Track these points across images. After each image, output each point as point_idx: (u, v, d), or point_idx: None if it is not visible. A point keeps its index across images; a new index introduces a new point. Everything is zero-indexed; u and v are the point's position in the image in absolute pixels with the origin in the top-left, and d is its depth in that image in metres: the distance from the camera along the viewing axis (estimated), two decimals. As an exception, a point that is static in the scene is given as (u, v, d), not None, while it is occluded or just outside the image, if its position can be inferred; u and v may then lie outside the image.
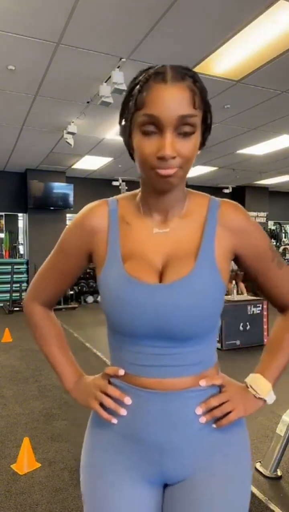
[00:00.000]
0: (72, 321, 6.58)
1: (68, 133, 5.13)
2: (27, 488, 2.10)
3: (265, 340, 4.74)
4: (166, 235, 0.83)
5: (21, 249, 9.36)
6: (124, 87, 3.51)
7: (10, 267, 7.92)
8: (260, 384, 0.84)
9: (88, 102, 4.45)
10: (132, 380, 0.82)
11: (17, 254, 9.09)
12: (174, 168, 0.73)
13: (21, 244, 9.40)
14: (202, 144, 0.80)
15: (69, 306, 7.74)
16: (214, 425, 0.80)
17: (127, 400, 0.81)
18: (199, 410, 0.79)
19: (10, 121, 5.13)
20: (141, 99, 0.72)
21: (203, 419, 0.79)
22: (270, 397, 0.84)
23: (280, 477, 2.19)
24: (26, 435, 2.59)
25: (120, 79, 3.48)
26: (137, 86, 0.73)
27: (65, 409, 3.07)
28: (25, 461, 2.29)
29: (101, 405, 0.85)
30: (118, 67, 3.50)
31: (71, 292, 8.00)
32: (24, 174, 8.34)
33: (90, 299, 8.48)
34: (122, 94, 3.75)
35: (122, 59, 3.41)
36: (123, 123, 0.79)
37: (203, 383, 0.80)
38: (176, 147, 0.71)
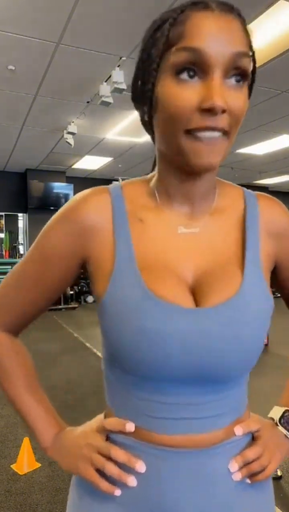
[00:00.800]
0: (72, 321, 6.58)
1: (68, 133, 5.13)
2: (27, 488, 2.10)
3: (265, 340, 4.73)
4: (196, 236, 0.61)
5: (21, 249, 9.37)
6: (124, 86, 3.51)
7: (10, 267, 7.92)
8: None
9: (88, 102, 4.45)
10: (147, 437, 0.58)
11: (17, 254, 9.09)
12: (222, 128, 0.51)
13: (21, 244, 9.41)
14: None
15: (69, 306, 7.75)
16: (249, 481, 0.62)
17: (141, 467, 0.57)
18: (234, 466, 0.59)
19: (10, 121, 5.13)
20: (177, 30, 0.51)
21: (238, 476, 0.60)
22: None
23: (280, 477, 2.19)
24: (26, 435, 2.59)
25: (120, 78, 3.48)
26: (169, 20, 0.53)
27: (65, 409, 3.07)
28: (25, 461, 2.29)
29: (98, 471, 0.59)
30: (118, 66, 3.50)
31: (71, 292, 8.00)
32: (24, 174, 8.34)
33: (90, 299, 8.48)
34: (122, 94, 3.78)
35: (123, 58, 3.41)
36: (140, 84, 0.60)
37: (239, 431, 0.61)
38: (225, 98, 0.49)
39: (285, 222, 0.66)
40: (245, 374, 0.63)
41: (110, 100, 3.75)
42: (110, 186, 0.66)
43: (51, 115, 4.91)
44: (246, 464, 0.61)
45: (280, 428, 0.67)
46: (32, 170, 8.17)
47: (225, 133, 0.52)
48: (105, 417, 0.67)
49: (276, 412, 0.69)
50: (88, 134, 5.72)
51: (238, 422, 0.62)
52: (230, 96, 0.51)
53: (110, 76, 3.59)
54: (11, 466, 2.30)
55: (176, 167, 0.58)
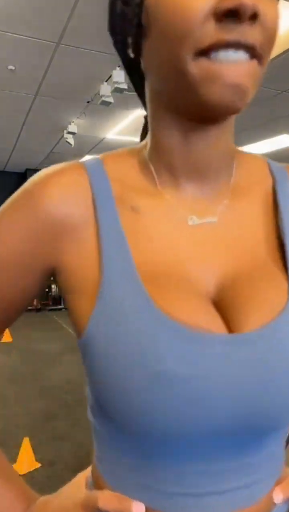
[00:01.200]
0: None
1: (69, 133, 5.13)
2: (27, 488, 2.10)
3: None
4: (213, 228, 0.43)
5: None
6: (125, 86, 3.51)
7: (10, 267, 7.92)
8: None
9: (88, 102, 4.45)
10: None
11: (17, 254, 9.09)
12: (252, 45, 0.35)
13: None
14: None
15: (69, 306, 7.75)
16: None
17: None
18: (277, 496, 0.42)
19: (10, 121, 5.13)
20: None
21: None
22: None
23: (280, 477, 2.19)
24: (26, 435, 2.58)
25: (121, 78, 3.48)
26: None
27: (65, 409, 3.07)
28: (25, 461, 2.29)
29: None
30: (119, 66, 3.49)
31: (71, 292, 8.00)
32: (24, 174, 8.34)
33: (90, 299, 8.48)
34: (123, 94, 3.77)
35: (123, 59, 3.41)
36: None
37: (279, 498, 0.42)
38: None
39: None
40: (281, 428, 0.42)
41: (110, 100, 3.75)
42: (86, 161, 0.45)
43: (51, 115, 4.91)
44: None
45: None
46: (32, 170, 8.16)
47: (255, 55, 0.36)
48: (93, 478, 0.47)
49: None
50: (89, 134, 5.72)
51: (277, 482, 0.43)
52: (261, 1, 0.34)
53: (110, 76, 3.59)
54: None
55: (180, 119, 0.39)
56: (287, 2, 2.67)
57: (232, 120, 0.43)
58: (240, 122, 3.87)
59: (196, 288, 0.39)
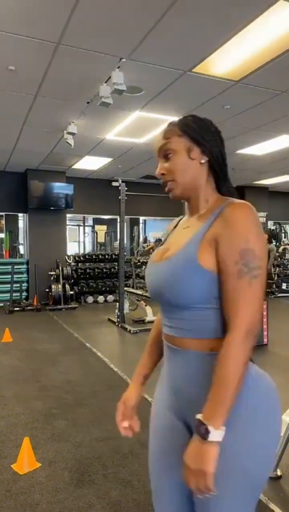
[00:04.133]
0: (72, 321, 6.58)
1: (68, 133, 5.13)
2: (27, 488, 2.11)
3: (265, 340, 4.74)
4: (186, 230, 1.04)
5: (22, 249, 9.37)
6: (124, 87, 3.51)
7: (10, 267, 7.92)
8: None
9: (88, 103, 4.46)
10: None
11: (18, 254, 9.09)
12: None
13: (21, 244, 9.41)
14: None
15: (69, 306, 7.74)
16: (200, 496, 0.88)
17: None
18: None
19: (10, 121, 5.13)
20: None
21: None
22: (217, 436, 0.84)
23: (280, 477, 2.19)
24: (26, 435, 2.59)
25: (120, 79, 3.48)
26: None
27: (65, 409, 3.07)
28: (25, 461, 2.29)
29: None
30: (118, 68, 3.50)
31: (71, 292, 8.00)
32: (24, 174, 8.34)
33: (90, 299, 8.48)
34: (122, 95, 3.78)
35: (123, 59, 3.41)
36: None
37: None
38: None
39: (233, 213, 0.92)
40: (185, 308, 0.96)
41: (110, 101, 3.75)
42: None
43: (51, 115, 4.92)
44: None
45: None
46: (32, 170, 8.17)
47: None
48: None
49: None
50: (88, 135, 5.72)
51: (201, 341, 0.96)
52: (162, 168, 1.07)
53: (110, 77, 3.60)
54: (11, 466, 2.31)
55: None
56: (287, 2, 2.67)
57: (197, 191, 1.04)
58: (240, 124, 3.91)
59: (167, 252, 1.03)
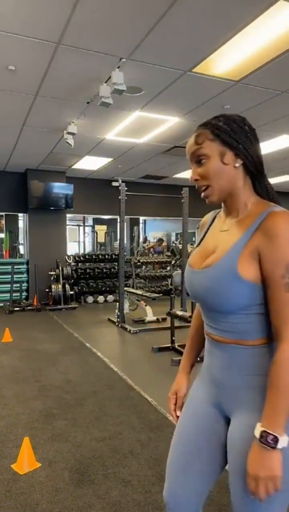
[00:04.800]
0: (72, 321, 6.58)
1: (68, 133, 5.13)
2: (27, 488, 2.11)
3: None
4: (224, 233, 1.05)
5: (22, 249, 9.37)
6: (124, 87, 3.51)
7: (10, 267, 7.92)
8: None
9: (88, 103, 4.46)
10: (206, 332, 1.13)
11: (18, 254, 9.09)
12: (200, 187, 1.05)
13: (22, 244, 9.41)
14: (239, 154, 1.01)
15: (69, 306, 7.74)
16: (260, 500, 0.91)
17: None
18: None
19: (10, 121, 5.13)
20: None
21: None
22: (284, 442, 0.88)
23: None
24: (26, 435, 2.59)
25: (120, 79, 3.48)
26: None
27: (65, 409, 3.07)
28: (25, 461, 2.29)
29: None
30: (118, 68, 3.50)
31: (71, 292, 8.00)
32: (24, 174, 8.34)
33: (90, 299, 8.48)
34: (122, 95, 3.78)
35: (122, 59, 3.41)
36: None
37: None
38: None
39: (274, 224, 0.92)
40: (228, 314, 1.00)
41: (110, 101, 3.75)
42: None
43: (51, 115, 4.92)
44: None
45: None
46: (32, 170, 8.17)
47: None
48: None
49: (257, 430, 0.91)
50: (88, 135, 5.72)
51: (240, 341, 1.00)
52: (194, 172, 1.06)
53: (110, 77, 3.60)
54: (11, 466, 2.30)
55: None
56: (287, 2, 2.67)
57: (234, 195, 1.04)
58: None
59: (208, 258, 1.04)
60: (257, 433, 0.89)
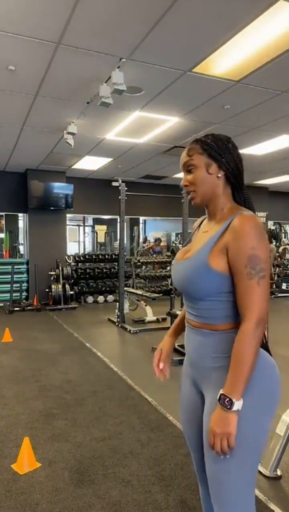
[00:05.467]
0: (72, 321, 6.58)
1: (68, 133, 5.13)
2: (27, 488, 2.11)
3: (264, 340, 4.73)
4: (205, 233, 1.24)
5: (22, 249, 9.37)
6: (124, 87, 3.51)
7: (10, 267, 7.92)
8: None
9: (88, 103, 4.45)
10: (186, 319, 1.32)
11: (18, 254, 9.09)
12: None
13: (22, 244, 9.41)
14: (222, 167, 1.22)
15: (69, 306, 7.74)
16: (216, 453, 1.10)
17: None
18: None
19: (10, 121, 5.13)
20: None
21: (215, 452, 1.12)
22: (238, 406, 1.07)
23: (280, 477, 2.19)
24: (26, 435, 2.59)
25: (120, 79, 3.48)
26: None
27: (65, 409, 3.07)
28: (25, 461, 2.29)
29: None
30: (118, 68, 3.50)
31: (71, 292, 8.00)
32: (24, 174, 8.34)
33: (90, 299, 8.48)
34: (122, 95, 3.78)
35: (122, 59, 3.41)
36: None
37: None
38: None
39: (239, 224, 1.11)
40: (200, 300, 1.19)
41: (110, 101, 3.74)
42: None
43: (51, 115, 4.91)
44: None
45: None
46: (32, 170, 8.17)
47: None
48: None
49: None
50: (88, 135, 5.72)
51: (211, 326, 1.19)
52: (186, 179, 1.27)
53: (110, 77, 3.59)
54: (11, 466, 2.31)
55: None
56: (287, 2, 2.67)
57: (214, 200, 1.24)
58: (240, 124, 3.90)
59: (188, 252, 1.28)
60: (217, 396, 1.09)
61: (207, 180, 1.21)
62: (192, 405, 1.32)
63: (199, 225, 1.37)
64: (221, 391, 1.08)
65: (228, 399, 1.06)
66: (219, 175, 1.21)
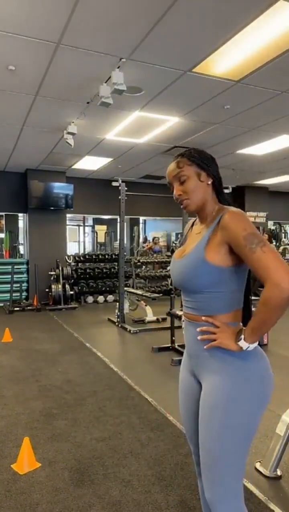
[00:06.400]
0: (72, 321, 6.58)
1: (68, 133, 5.13)
2: (27, 488, 2.11)
3: (265, 340, 4.74)
4: (198, 234, 1.36)
5: (22, 249, 9.37)
6: (124, 87, 3.51)
7: (10, 267, 7.92)
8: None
9: (88, 103, 4.45)
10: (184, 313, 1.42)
11: (18, 254, 9.09)
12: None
13: (22, 244, 9.41)
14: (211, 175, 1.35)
15: (69, 306, 7.74)
16: (205, 346, 1.27)
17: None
18: (198, 329, 1.30)
19: (10, 121, 5.13)
20: None
21: (199, 337, 1.29)
22: (243, 345, 1.22)
23: (280, 477, 2.19)
24: (26, 435, 2.59)
25: (120, 79, 3.48)
26: None
27: (65, 409, 3.07)
28: (25, 461, 2.29)
29: None
30: (118, 68, 3.50)
31: (71, 292, 8.00)
32: (24, 174, 8.34)
33: (90, 299, 8.48)
34: (122, 95, 3.78)
35: (123, 59, 3.41)
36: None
37: (203, 318, 1.29)
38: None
39: (227, 220, 1.23)
40: (198, 293, 1.30)
41: (110, 101, 3.74)
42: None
43: (51, 115, 4.92)
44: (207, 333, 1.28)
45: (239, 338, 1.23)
46: (32, 170, 8.17)
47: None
48: None
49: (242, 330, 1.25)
50: (88, 135, 5.72)
51: (208, 317, 1.28)
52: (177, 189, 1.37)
53: (110, 77, 3.59)
54: (11, 466, 2.31)
55: None
56: (287, 2, 2.67)
57: (205, 206, 1.37)
58: (240, 124, 3.90)
59: (185, 251, 1.39)
60: (237, 329, 1.26)
61: (199, 187, 1.32)
62: (190, 392, 1.42)
63: (192, 226, 1.48)
64: (242, 327, 1.25)
65: (241, 334, 1.22)
66: (209, 182, 1.34)
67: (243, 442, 1.24)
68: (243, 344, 1.21)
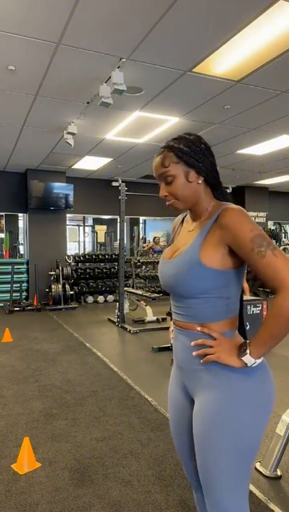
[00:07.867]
0: (72, 321, 6.58)
1: (68, 133, 5.13)
2: (27, 488, 2.11)
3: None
4: (190, 232, 1.23)
5: (22, 249, 9.37)
6: (124, 87, 3.51)
7: (10, 267, 7.92)
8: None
9: (88, 103, 4.45)
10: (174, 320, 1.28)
11: (18, 254, 9.09)
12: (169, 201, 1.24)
13: (22, 244, 9.41)
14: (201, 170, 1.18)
15: (69, 306, 7.74)
16: (201, 361, 1.14)
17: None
18: (192, 343, 1.16)
19: (10, 121, 5.13)
20: None
21: (194, 353, 1.15)
22: (248, 361, 1.08)
23: (280, 477, 2.19)
24: (26, 435, 2.59)
25: (120, 79, 3.48)
26: None
27: (65, 409, 3.07)
28: (25, 461, 2.29)
29: None
30: (118, 67, 3.50)
31: (71, 292, 8.00)
32: (24, 174, 8.34)
33: (90, 299, 8.48)
34: (122, 95, 3.77)
35: (122, 59, 3.41)
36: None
37: (198, 328, 1.16)
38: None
39: (228, 218, 1.10)
40: (191, 298, 1.16)
41: (110, 101, 3.74)
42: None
43: (51, 115, 4.92)
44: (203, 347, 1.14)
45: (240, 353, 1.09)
46: (32, 170, 8.17)
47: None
48: None
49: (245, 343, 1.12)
50: (88, 135, 5.72)
51: (199, 325, 1.16)
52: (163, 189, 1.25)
53: (110, 77, 3.59)
54: (11, 466, 2.31)
55: None
56: (287, 2, 2.67)
57: (198, 204, 1.22)
58: (240, 124, 3.90)
59: (176, 251, 1.25)
60: (242, 340, 1.15)
61: (188, 188, 1.18)
62: (182, 412, 1.28)
63: (182, 222, 1.35)
64: (248, 341, 1.11)
65: (246, 349, 1.08)
66: (199, 181, 1.18)
67: (246, 461, 1.11)
68: (248, 359, 1.07)
